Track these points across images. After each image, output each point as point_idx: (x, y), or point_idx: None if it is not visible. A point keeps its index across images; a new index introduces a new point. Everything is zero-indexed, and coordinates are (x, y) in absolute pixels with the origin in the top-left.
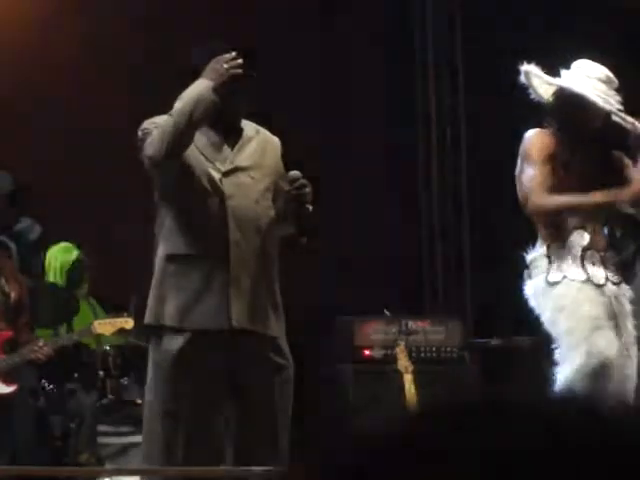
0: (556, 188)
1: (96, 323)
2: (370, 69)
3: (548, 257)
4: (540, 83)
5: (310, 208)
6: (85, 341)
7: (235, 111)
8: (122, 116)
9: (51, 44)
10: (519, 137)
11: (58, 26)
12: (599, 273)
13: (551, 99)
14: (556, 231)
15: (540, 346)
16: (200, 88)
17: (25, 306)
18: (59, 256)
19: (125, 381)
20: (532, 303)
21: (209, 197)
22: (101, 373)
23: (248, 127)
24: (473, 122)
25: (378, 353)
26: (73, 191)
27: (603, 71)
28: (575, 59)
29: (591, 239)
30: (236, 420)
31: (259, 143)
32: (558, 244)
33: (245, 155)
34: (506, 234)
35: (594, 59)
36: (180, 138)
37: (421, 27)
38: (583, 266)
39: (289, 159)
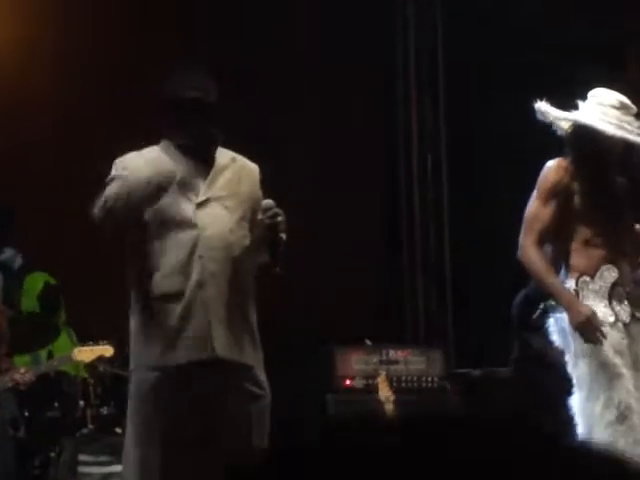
0: (578, 220)
1: (76, 350)
2: (352, 98)
3: (577, 292)
4: (558, 117)
5: (284, 237)
6: (65, 369)
7: (208, 142)
8: (104, 140)
9: (32, 65)
10: (501, 164)
11: (40, 47)
12: (625, 311)
13: (569, 131)
14: (587, 261)
15: (521, 377)
16: (141, 180)
17: (4, 335)
18: (34, 284)
19: (105, 410)
20: (554, 337)
21: (182, 230)
22: (81, 402)
23: (223, 155)
24: (454, 149)
25: (359, 383)
26: (51, 219)
27: (617, 97)
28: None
29: (620, 274)
30: (211, 449)
31: (235, 171)
32: (587, 277)
33: (219, 185)
34: (488, 263)
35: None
36: (115, 218)
37: (404, 56)
38: (611, 304)
39: (275, 186)
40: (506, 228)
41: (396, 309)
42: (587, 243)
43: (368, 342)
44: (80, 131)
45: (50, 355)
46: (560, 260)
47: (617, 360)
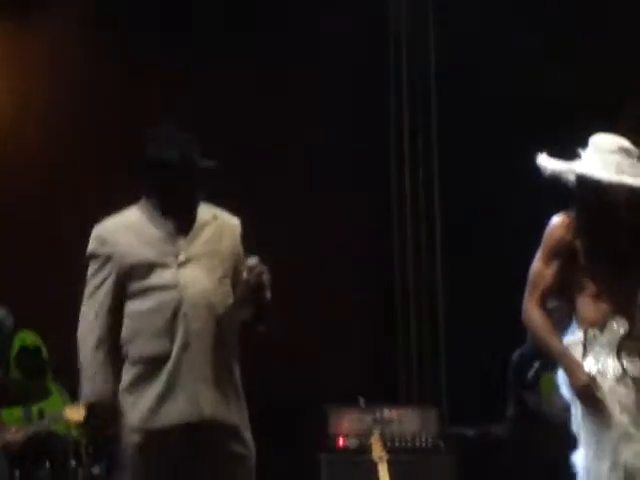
0: (583, 276)
1: (67, 409)
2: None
3: (584, 345)
4: (557, 171)
5: (268, 295)
6: (56, 428)
7: (189, 203)
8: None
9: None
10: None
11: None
12: (635, 365)
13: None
14: (594, 314)
15: (517, 436)
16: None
17: None
18: (15, 345)
19: (96, 470)
20: (562, 389)
21: (165, 291)
22: (73, 462)
23: (204, 211)
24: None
25: (353, 442)
26: (36, 276)
27: (616, 142)
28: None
29: (630, 327)
30: None
31: (216, 228)
32: (596, 330)
33: (200, 243)
34: (483, 304)
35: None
36: None
37: (397, 96)
38: (619, 358)
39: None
40: (500, 284)
41: (388, 364)
42: (594, 297)
43: (361, 402)
44: (67, 188)
45: (41, 413)
46: (568, 313)
47: (624, 418)
